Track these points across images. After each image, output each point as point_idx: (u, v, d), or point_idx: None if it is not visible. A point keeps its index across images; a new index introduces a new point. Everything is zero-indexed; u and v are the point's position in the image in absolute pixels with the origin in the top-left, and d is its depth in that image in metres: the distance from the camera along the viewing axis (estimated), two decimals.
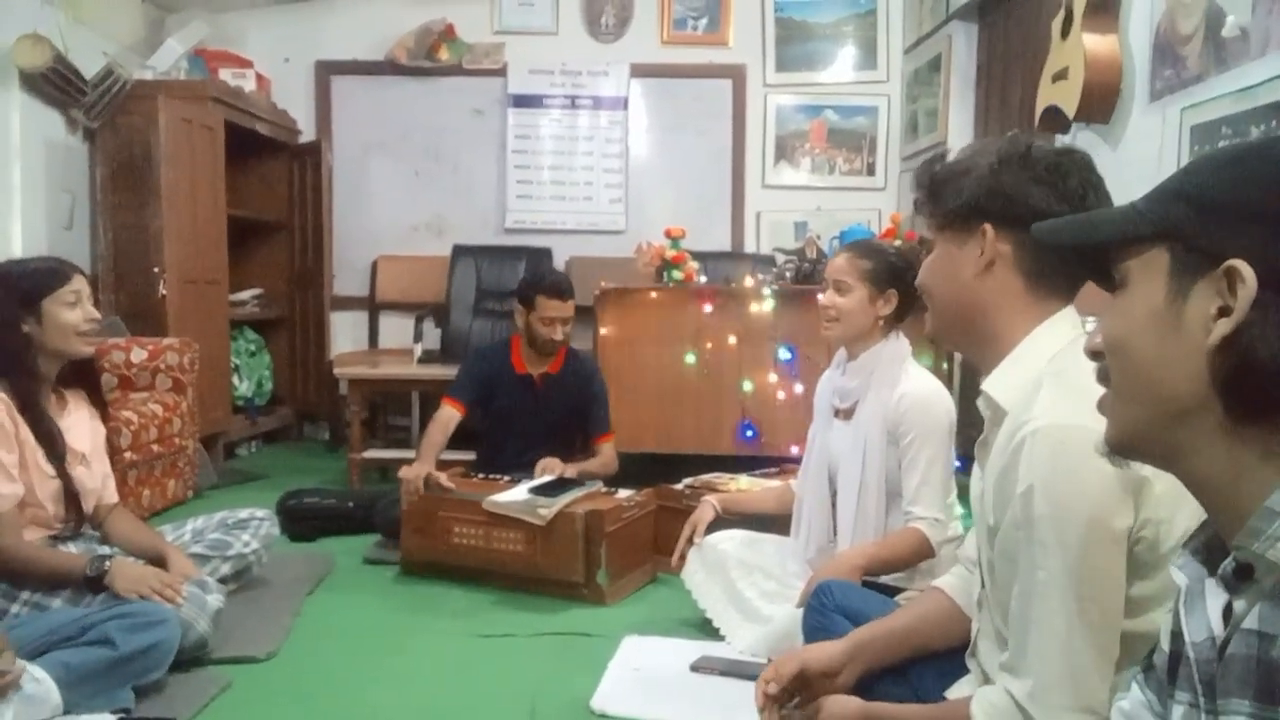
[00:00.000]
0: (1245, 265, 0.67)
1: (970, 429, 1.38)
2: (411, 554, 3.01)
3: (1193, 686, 0.73)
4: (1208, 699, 0.72)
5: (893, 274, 2.29)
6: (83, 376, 2.47)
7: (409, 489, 2.97)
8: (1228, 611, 0.72)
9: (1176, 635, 0.78)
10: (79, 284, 2.35)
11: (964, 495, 1.66)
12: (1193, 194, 0.74)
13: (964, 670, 1.44)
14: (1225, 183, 0.72)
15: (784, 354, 3.81)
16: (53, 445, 2.30)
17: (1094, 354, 0.82)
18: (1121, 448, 0.80)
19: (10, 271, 2.35)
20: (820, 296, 2.37)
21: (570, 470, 3.13)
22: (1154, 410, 0.75)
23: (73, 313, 2.31)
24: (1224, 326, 0.68)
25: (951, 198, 1.31)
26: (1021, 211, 1.23)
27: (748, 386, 3.85)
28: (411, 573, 3.00)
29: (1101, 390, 0.82)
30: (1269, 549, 0.67)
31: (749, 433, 3.84)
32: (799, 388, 3.75)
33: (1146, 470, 1.07)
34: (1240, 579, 0.72)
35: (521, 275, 4.70)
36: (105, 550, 2.36)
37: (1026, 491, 1.10)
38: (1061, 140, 3.26)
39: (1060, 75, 3.22)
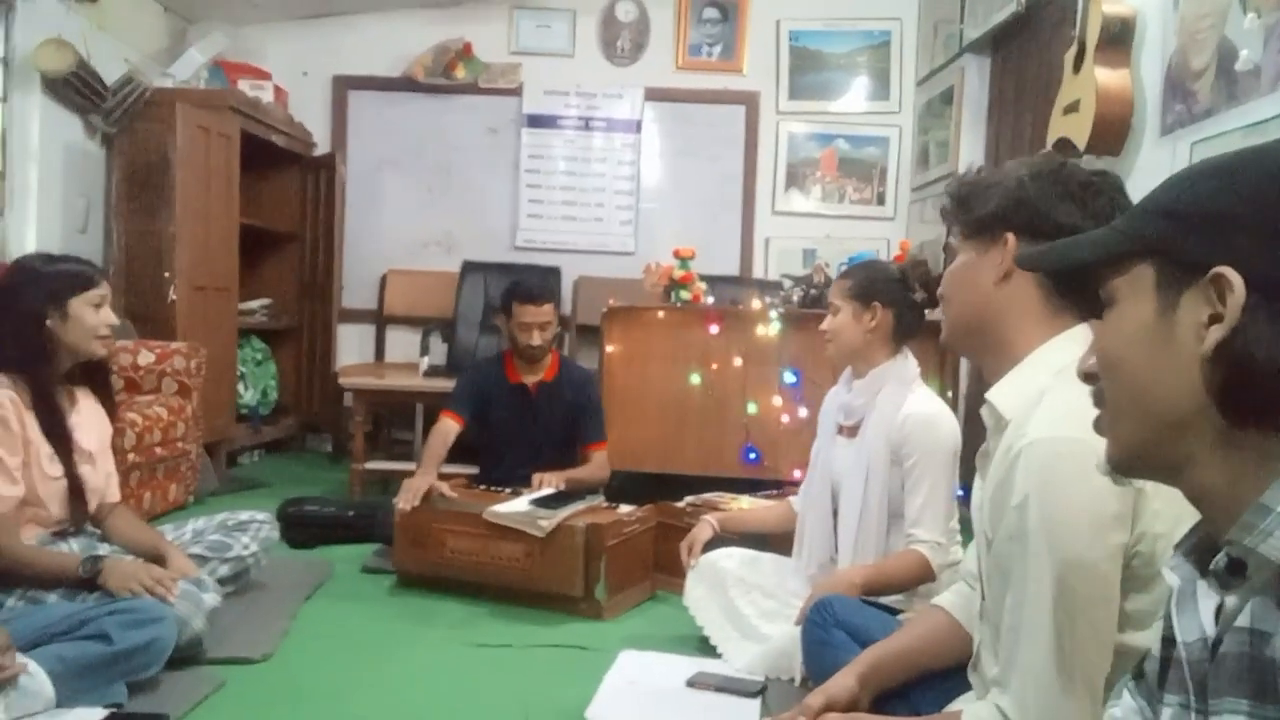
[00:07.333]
0: (1233, 271, 0.68)
1: (973, 459, 1.39)
2: (406, 565, 2.97)
3: (1184, 687, 0.73)
4: (1199, 699, 0.71)
5: (871, 288, 2.32)
6: (93, 374, 2.49)
7: (407, 497, 2.96)
8: (1220, 613, 0.72)
9: (1168, 640, 0.78)
10: (105, 289, 2.40)
11: (966, 526, 1.66)
12: (1172, 208, 0.75)
13: (964, 688, 1.43)
14: (1204, 194, 0.73)
15: (789, 377, 3.80)
16: (62, 443, 2.31)
17: (1087, 376, 0.83)
18: (1124, 466, 0.80)
19: (42, 268, 2.37)
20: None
21: (561, 478, 3.13)
22: (1152, 424, 0.75)
23: (97, 315, 2.34)
24: (1218, 332, 0.69)
25: (978, 206, 1.33)
26: (1046, 224, 1.25)
27: (752, 409, 3.84)
28: (409, 583, 2.98)
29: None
30: (1261, 543, 0.67)
31: (752, 455, 3.83)
32: (803, 411, 3.74)
33: (1146, 484, 1.07)
34: (1232, 574, 0.72)
35: None
36: (103, 550, 2.36)
37: (1021, 503, 1.10)
38: None
39: (1071, 108, 3.24)
